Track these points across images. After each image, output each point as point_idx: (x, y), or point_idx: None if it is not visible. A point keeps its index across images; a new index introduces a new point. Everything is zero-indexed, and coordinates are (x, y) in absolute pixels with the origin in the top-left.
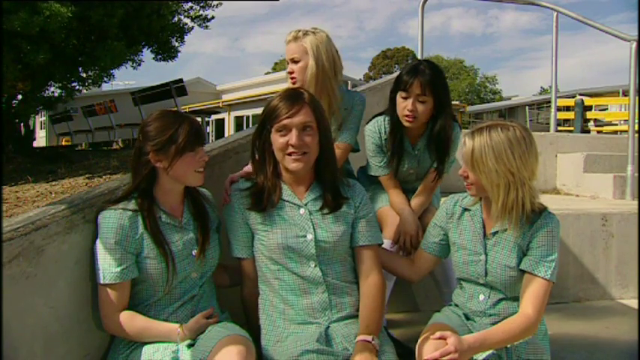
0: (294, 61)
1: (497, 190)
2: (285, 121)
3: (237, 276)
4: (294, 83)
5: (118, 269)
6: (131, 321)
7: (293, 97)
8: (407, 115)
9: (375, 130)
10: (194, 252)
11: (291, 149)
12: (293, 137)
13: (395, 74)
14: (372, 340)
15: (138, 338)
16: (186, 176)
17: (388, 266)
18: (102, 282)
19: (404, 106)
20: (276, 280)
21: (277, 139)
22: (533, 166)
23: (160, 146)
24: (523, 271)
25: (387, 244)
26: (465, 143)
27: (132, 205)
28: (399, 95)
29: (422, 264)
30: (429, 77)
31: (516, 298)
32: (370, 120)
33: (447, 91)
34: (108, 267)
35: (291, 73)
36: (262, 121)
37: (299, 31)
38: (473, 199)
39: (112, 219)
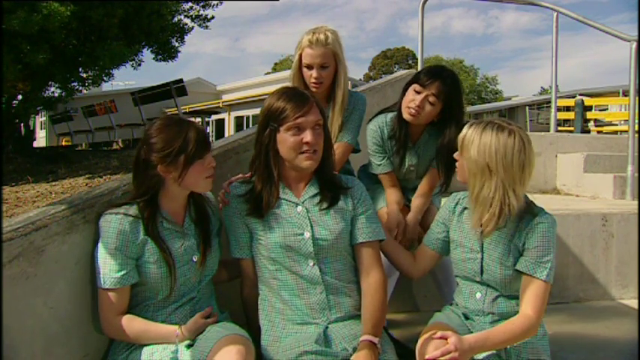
0: (323, 67)
1: (474, 180)
2: (299, 120)
3: (235, 269)
4: (316, 88)
5: (119, 275)
6: (130, 324)
7: (300, 96)
8: (410, 108)
9: (376, 128)
10: (194, 258)
11: (305, 147)
12: (308, 136)
13: (396, 74)
14: (378, 342)
15: (137, 341)
16: (197, 184)
17: (391, 258)
18: (102, 287)
19: (412, 99)
20: (275, 280)
21: (288, 139)
22: (515, 175)
23: (170, 158)
24: (519, 272)
25: None
26: (463, 129)
27: (133, 210)
28: (413, 88)
29: (423, 260)
30: (449, 85)
31: (513, 297)
32: (372, 118)
33: (461, 105)
34: (108, 272)
35: (317, 78)
36: (265, 122)
37: (324, 34)
38: None
39: (113, 224)
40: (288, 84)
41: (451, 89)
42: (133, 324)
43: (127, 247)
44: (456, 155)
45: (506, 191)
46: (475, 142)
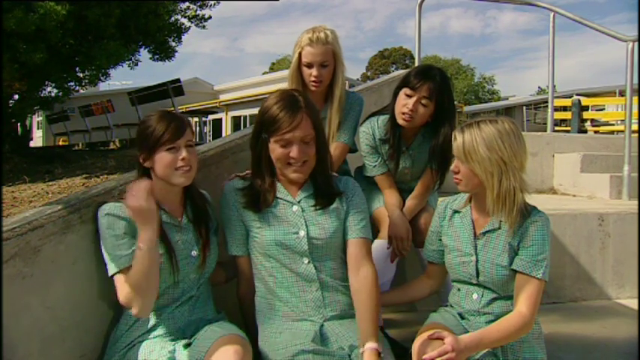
0: (323, 65)
1: (492, 179)
2: (287, 136)
3: (232, 270)
4: (316, 87)
5: (129, 251)
6: (127, 280)
7: (292, 106)
8: (404, 113)
9: (368, 131)
10: (193, 253)
11: (292, 161)
12: (295, 151)
13: (393, 74)
14: (380, 348)
15: (139, 282)
16: (168, 175)
17: (408, 299)
18: (115, 270)
19: (404, 103)
20: (271, 277)
21: (276, 149)
22: (522, 157)
23: (140, 144)
24: (515, 271)
25: (383, 244)
26: (456, 138)
27: None
28: (403, 92)
29: (436, 274)
30: (439, 84)
31: (509, 297)
32: (364, 121)
33: (452, 102)
34: (119, 253)
35: (317, 77)
36: (259, 128)
37: (324, 33)
38: (463, 201)
39: (114, 211)
40: (286, 84)
41: (442, 87)
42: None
43: (132, 229)
44: (453, 167)
45: (521, 177)
46: (480, 142)
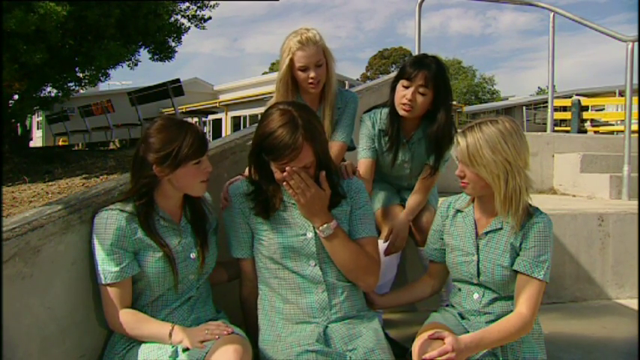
0: (318, 65)
1: (498, 181)
2: (287, 167)
3: (234, 270)
4: (315, 89)
5: (117, 269)
6: (125, 318)
7: (292, 134)
8: (404, 104)
9: (370, 119)
10: (192, 255)
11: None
12: (294, 181)
13: (393, 74)
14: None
15: (135, 336)
16: (190, 187)
17: (410, 300)
18: (102, 282)
19: (403, 94)
20: (276, 280)
21: (277, 173)
22: (525, 155)
23: (163, 159)
24: (516, 272)
25: (381, 245)
26: (459, 142)
27: (129, 207)
28: (401, 84)
29: (437, 273)
30: (434, 71)
31: (510, 297)
32: (369, 110)
33: (449, 88)
34: (107, 267)
35: (315, 78)
36: (259, 149)
37: (312, 33)
38: (466, 201)
39: (109, 220)
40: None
41: (437, 74)
42: (127, 317)
43: (124, 241)
44: (459, 172)
45: (525, 175)
46: (483, 144)
